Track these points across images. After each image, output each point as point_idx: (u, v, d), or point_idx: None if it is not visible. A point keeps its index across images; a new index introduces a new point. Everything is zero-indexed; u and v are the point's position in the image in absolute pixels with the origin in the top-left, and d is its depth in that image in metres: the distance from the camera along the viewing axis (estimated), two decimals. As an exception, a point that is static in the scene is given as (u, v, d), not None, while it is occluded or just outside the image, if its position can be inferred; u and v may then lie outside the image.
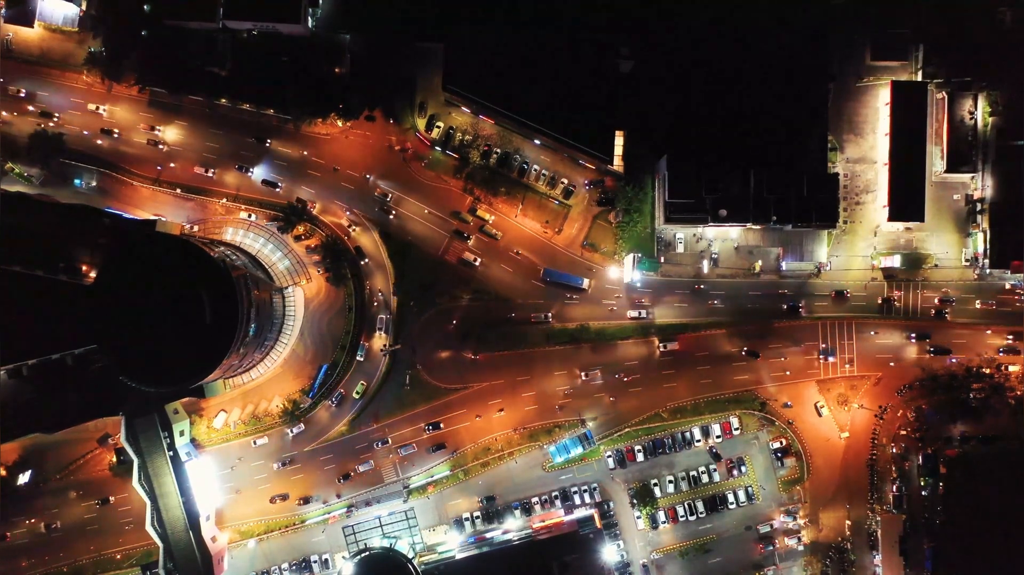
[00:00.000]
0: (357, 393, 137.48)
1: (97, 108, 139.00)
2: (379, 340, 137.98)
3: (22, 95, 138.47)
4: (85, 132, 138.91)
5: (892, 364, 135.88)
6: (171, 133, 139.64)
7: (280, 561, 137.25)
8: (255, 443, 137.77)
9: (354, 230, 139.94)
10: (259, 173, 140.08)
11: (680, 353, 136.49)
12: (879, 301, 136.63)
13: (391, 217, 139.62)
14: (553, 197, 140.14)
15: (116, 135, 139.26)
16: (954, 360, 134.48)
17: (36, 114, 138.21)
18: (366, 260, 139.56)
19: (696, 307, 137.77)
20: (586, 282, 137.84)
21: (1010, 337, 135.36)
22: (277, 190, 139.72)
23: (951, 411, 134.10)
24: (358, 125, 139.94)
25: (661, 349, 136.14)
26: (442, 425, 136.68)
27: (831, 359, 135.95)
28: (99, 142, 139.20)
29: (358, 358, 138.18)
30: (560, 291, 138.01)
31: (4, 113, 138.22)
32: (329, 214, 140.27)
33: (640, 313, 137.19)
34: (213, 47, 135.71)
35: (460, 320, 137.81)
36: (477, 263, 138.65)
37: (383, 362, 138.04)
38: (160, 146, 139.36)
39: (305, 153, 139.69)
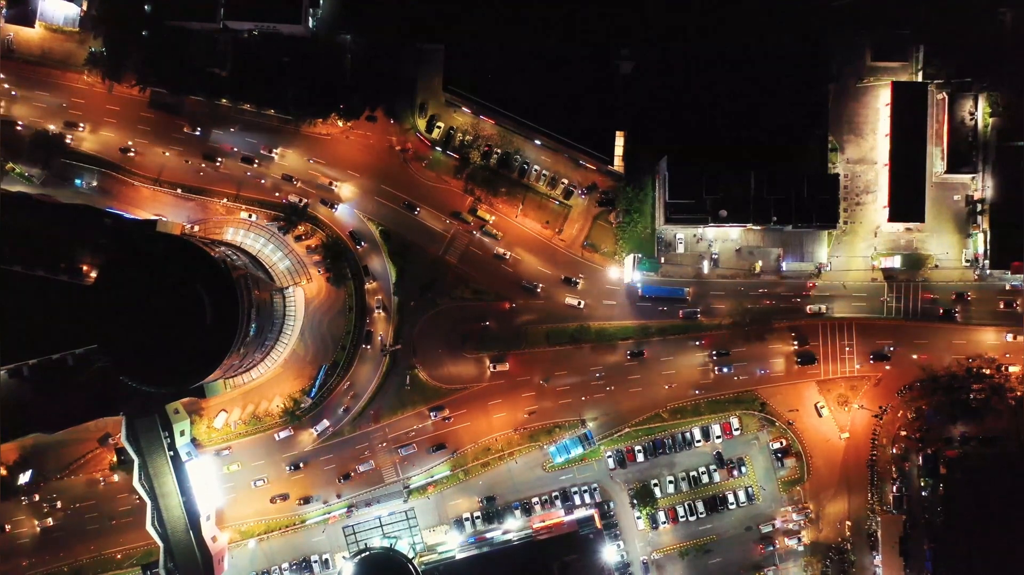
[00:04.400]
0: (257, 482, 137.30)
1: (271, 151, 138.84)
2: (307, 436, 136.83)
3: (197, 134, 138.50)
4: (262, 180, 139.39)
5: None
6: (347, 189, 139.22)
7: (280, 561, 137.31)
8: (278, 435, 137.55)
9: (379, 312, 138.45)
10: (343, 210, 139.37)
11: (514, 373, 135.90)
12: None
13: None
14: (553, 197, 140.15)
15: (291, 178, 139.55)
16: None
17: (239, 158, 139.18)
18: (367, 346, 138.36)
19: (871, 303, 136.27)
20: (687, 291, 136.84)
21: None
22: (359, 247, 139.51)
23: (951, 412, 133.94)
24: (359, 126, 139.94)
25: (491, 370, 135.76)
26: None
27: (725, 371, 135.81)
28: (292, 193, 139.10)
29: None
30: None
31: (166, 154, 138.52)
32: (374, 294, 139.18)
33: (821, 308, 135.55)
34: (214, 47, 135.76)
35: (462, 321, 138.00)
36: (582, 306, 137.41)
37: (383, 363, 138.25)
38: (295, 182, 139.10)
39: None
